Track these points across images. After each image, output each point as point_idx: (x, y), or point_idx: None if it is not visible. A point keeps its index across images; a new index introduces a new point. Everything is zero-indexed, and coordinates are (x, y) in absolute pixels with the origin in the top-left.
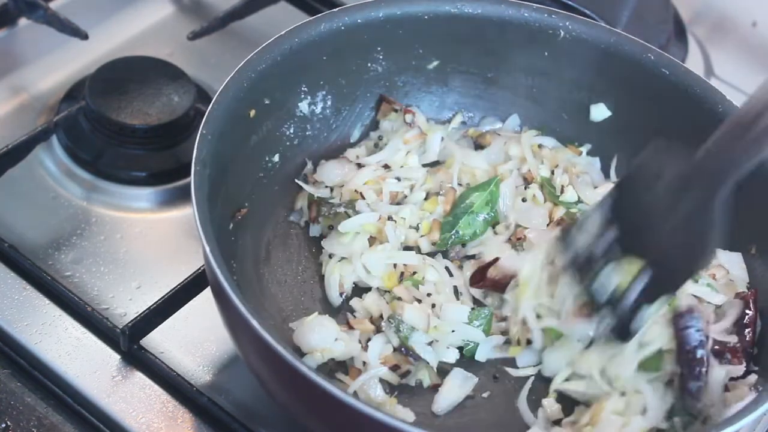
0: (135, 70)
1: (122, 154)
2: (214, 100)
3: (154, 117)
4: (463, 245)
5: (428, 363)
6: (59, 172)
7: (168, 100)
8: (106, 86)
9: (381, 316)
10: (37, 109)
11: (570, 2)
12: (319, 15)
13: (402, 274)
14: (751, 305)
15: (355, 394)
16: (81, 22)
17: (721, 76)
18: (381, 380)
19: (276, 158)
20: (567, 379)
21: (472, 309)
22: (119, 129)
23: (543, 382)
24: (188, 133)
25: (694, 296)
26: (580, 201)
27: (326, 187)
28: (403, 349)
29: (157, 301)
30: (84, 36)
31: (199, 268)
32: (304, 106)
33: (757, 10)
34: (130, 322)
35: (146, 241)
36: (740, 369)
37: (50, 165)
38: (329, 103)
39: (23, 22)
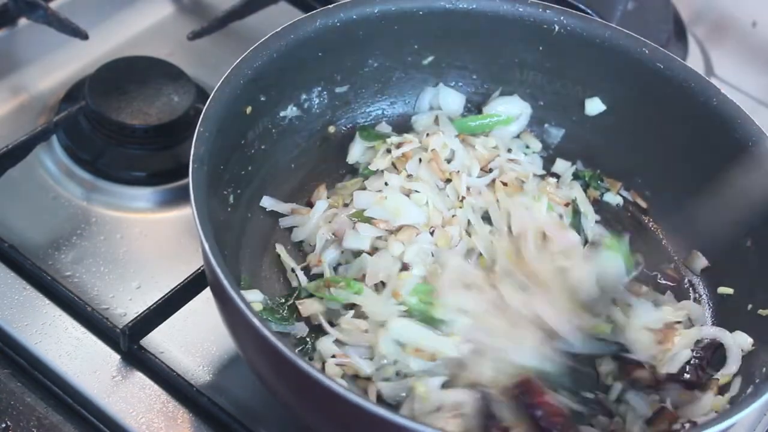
0: (135, 70)
1: (122, 154)
2: (210, 97)
3: (154, 117)
4: None
5: None
6: (59, 172)
7: (168, 100)
8: (106, 86)
9: None
10: (37, 109)
11: None
12: (314, 11)
13: None
14: None
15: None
16: (81, 22)
17: (721, 76)
18: None
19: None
20: None
21: None
22: (119, 129)
23: None
24: (188, 133)
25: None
26: None
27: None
28: None
29: (157, 301)
30: (84, 36)
31: (199, 269)
32: (299, 103)
33: (757, 10)
34: (130, 322)
35: (146, 241)
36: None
37: (50, 165)
38: (325, 99)
39: (23, 22)
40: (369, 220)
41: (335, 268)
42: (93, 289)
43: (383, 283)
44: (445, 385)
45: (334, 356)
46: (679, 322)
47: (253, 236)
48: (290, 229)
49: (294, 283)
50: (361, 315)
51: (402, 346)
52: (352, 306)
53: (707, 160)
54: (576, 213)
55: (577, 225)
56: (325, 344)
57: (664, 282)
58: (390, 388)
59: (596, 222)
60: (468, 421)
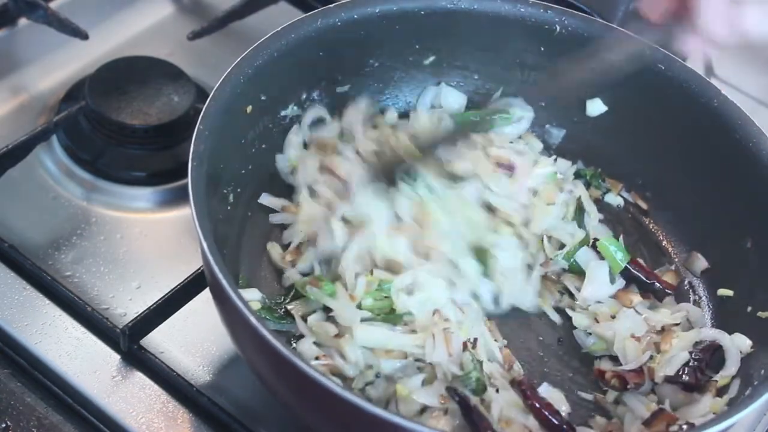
0: (135, 70)
1: (122, 154)
2: (211, 96)
3: (154, 117)
4: None
5: None
6: (59, 172)
7: (168, 100)
8: (106, 86)
9: None
10: (37, 109)
11: None
12: (315, 11)
13: None
14: None
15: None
16: (81, 22)
17: (722, 76)
18: None
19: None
20: None
21: None
22: (119, 129)
23: None
24: (188, 133)
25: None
26: None
27: None
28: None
29: (157, 301)
30: (84, 36)
31: (199, 269)
32: (300, 102)
33: None
34: (130, 322)
35: (146, 241)
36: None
37: (50, 165)
38: (326, 99)
39: (23, 22)
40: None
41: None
42: (93, 289)
43: None
44: (425, 382)
45: (317, 358)
46: (676, 324)
47: (252, 235)
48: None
49: (287, 283)
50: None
51: (372, 349)
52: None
53: (708, 161)
54: (580, 211)
55: (580, 223)
56: (304, 346)
57: (662, 288)
58: (376, 391)
59: (599, 221)
60: (456, 416)
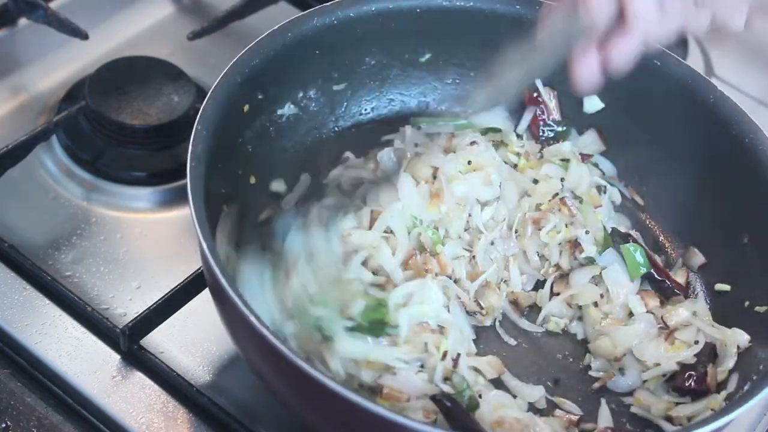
0: (135, 70)
1: (122, 154)
2: (208, 95)
3: (154, 117)
4: None
5: None
6: (59, 172)
7: (168, 100)
8: (106, 86)
9: None
10: (37, 109)
11: None
12: (311, 9)
13: None
14: None
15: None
16: (81, 22)
17: (721, 76)
18: None
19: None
20: None
21: None
22: (119, 129)
23: None
24: (188, 133)
25: None
26: None
27: None
28: None
29: (157, 301)
30: (84, 36)
31: (199, 269)
32: (297, 101)
33: None
34: (130, 322)
35: (146, 241)
36: None
37: (50, 165)
38: (322, 97)
39: (23, 22)
40: None
41: None
42: (93, 289)
43: None
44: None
45: None
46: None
47: None
48: None
49: None
50: None
51: (355, 360)
52: None
53: (704, 156)
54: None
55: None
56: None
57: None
58: None
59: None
60: (444, 425)
